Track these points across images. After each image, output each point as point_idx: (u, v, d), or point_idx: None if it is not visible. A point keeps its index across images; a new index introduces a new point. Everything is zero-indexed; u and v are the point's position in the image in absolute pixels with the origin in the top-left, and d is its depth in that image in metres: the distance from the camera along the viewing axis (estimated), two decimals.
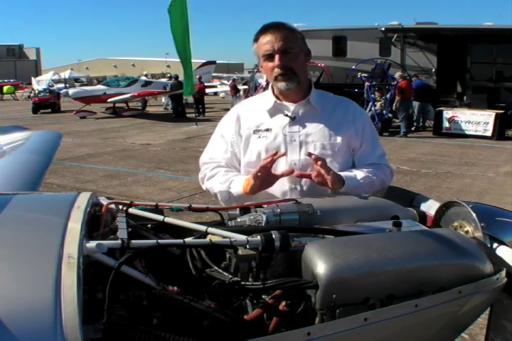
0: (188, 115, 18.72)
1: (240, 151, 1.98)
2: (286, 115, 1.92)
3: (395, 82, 13.40)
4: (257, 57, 1.94)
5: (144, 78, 27.15)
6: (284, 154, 1.82)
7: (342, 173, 1.83)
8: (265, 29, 1.87)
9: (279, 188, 1.86)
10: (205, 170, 2.00)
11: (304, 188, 1.88)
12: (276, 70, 1.84)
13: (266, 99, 1.99)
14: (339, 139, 1.91)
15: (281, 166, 1.89)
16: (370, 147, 1.98)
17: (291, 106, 1.93)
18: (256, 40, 1.90)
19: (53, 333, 0.80)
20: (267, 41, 1.84)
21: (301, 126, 1.91)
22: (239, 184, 1.84)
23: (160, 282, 1.09)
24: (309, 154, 1.76)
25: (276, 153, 1.75)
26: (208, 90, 24.12)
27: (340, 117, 1.95)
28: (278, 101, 1.95)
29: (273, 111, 1.95)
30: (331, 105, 1.98)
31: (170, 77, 23.32)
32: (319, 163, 1.72)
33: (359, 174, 1.86)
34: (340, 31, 17.85)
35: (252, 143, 1.95)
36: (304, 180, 1.87)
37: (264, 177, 1.74)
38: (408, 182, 7.43)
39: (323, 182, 1.76)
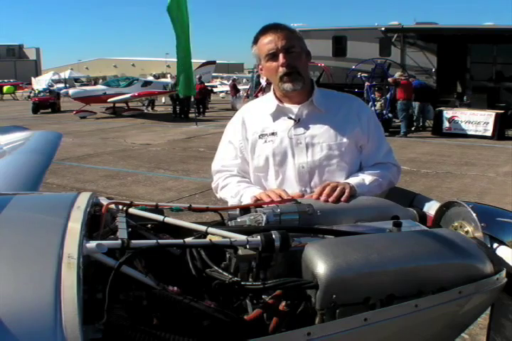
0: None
1: (248, 156, 1.97)
2: (290, 118, 1.90)
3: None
4: (257, 59, 1.92)
5: (151, 78, 27.16)
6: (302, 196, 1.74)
7: (351, 181, 1.79)
8: (266, 29, 1.86)
9: (290, 192, 1.79)
10: (218, 180, 2.00)
11: (314, 190, 1.85)
12: (281, 69, 1.82)
13: (269, 101, 1.97)
14: (346, 138, 1.88)
15: (289, 169, 1.89)
16: (376, 144, 1.97)
17: (295, 109, 1.91)
18: (256, 41, 1.88)
19: (53, 333, 0.80)
20: (269, 41, 1.82)
21: (305, 128, 1.89)
22: (249, 197, 1.79)
23: (160, 282, 1.09)
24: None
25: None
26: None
27: (345, 116, 1.93)
28: (280, 105, 1.93)
29: (276, 115, 1.93)
30: (335, 104, 1.96)
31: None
32: (325, 196, 1.63)
33: (367, 178, 1.85)
34: (340, 31, 17.86)
35: (258, 148, 1.93)
36: (313, 182, 1.87)
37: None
38: (408, 182, 7.42)
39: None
